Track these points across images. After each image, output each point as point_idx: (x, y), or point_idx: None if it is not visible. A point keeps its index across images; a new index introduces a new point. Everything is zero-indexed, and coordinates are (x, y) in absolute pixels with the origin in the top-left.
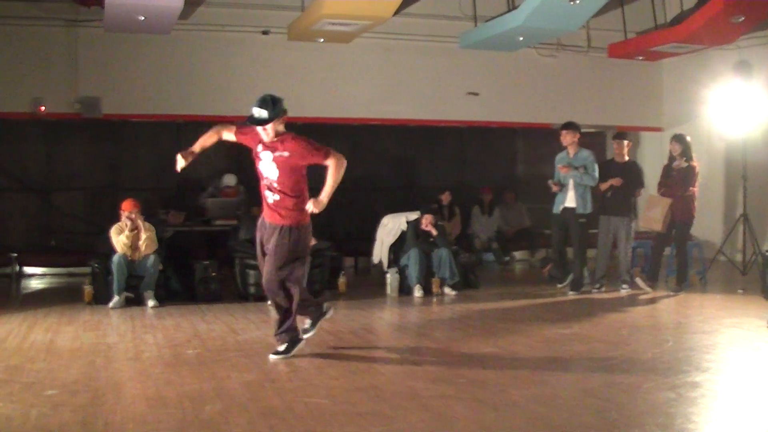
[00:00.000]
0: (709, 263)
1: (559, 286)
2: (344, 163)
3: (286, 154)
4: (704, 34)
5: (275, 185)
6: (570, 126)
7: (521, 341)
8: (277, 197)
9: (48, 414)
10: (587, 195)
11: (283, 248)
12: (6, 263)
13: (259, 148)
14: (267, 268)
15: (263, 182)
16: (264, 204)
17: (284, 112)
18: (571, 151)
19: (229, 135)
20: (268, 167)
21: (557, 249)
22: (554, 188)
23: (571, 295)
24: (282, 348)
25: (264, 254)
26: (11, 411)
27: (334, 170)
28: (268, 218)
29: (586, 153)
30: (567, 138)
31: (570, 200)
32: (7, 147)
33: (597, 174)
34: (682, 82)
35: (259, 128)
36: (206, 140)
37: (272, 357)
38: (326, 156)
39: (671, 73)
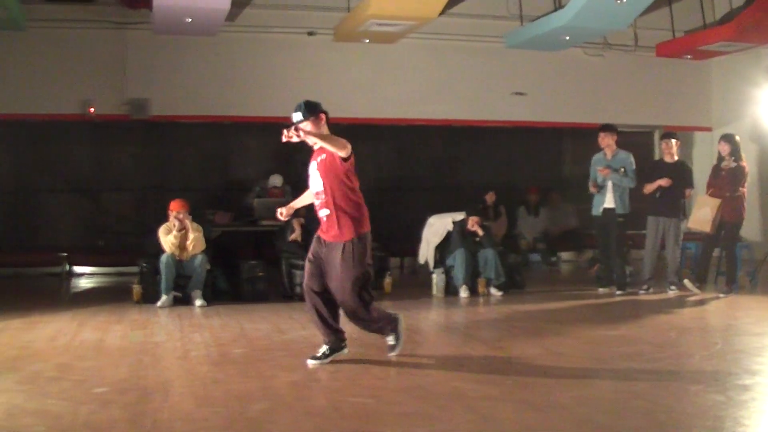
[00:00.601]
0: (758, 264)
1: (602, 290)
2: (343, 144)
3: (324, 155)
4: (754, 33)
5: (324, 197)
6: (608, 128)
7: (567, 342)
8: (327, 211)
9: (97, 411)
10: (626, 196)
11: (347, 265)
12: (56, 263)
13: (309, 165)
14: (335, 289)
15: (316, 201)
16: (321, 224)
17: (322, 112)
18: (609, 153)
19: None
20: (315, 180)
21: (604, 251)
22: (592, 189)
23: (618, 295)
24: (392, 340)
25: (311, 261)
26: (61, 408)
27: (333, 137)
28: (324, 236)
29: (624, 154)
30: (605, 140)
31: (609, 201)
32: (58, 148)
33: (634, 175)
34: (732, 81)
35: (301, 133)
36: (303, 200)
37: (391, 354)
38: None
39: (720, 72)
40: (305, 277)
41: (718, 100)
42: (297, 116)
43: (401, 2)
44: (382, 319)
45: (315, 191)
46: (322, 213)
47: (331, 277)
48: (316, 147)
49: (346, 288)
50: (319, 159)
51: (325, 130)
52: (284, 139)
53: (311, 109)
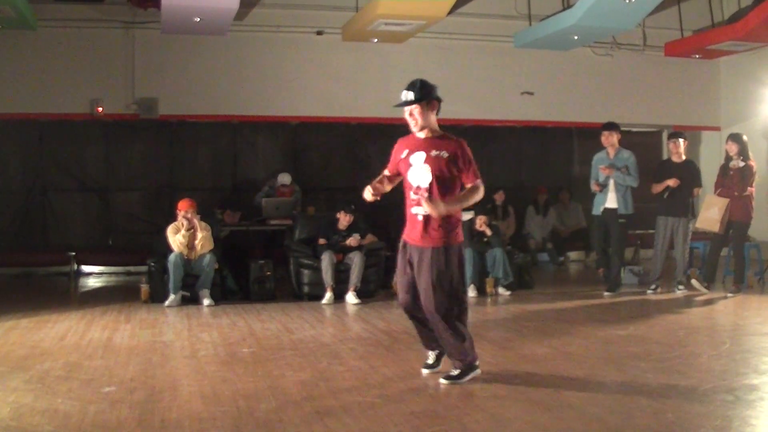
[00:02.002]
0: (767, 264)
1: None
2: (482, 194)
3: (445, 154)
4: (763, 32)
5: (427, 195)
6: (612, 126)
7: (576, 342)
8: (426, 211)
9: (105, 410)
10: (628, 195)
11: (437, 271)
12: (65, 262)
13: (404, 153)
14: (423, 299)
15: (411, 195)
16: (409, 224)
17: (436, 99)
18: (612, 151)
19: (391, 180)
20: (418, 172)
21: (601, 251)
22: (595, 188)
23: (608, 297)
24: (455, 372)
25: (404, 274)
26: (70, 407)
27: (470, 192)
28: (413, 240)
29: (626, 153)
30: (610, 138)
31: (611, 201)
32: (67, 147)
33: (637, 174)
34: (740, 81)
35: (406, 115)
36: (385, 185)
37: (443, 381)
38: (475, 179)
39: (729, 71)
40: (400, 294)
41: (727, 99)
42: (408, 94)
43: (410, 2)
44: (470, 347)
45: (415, 185)
46: (418, 211)
47: (420, 286)
48: (430, 135)
49: (430, 296)
50: (433, 153)
51: (434, 119)
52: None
53: (427, 92)
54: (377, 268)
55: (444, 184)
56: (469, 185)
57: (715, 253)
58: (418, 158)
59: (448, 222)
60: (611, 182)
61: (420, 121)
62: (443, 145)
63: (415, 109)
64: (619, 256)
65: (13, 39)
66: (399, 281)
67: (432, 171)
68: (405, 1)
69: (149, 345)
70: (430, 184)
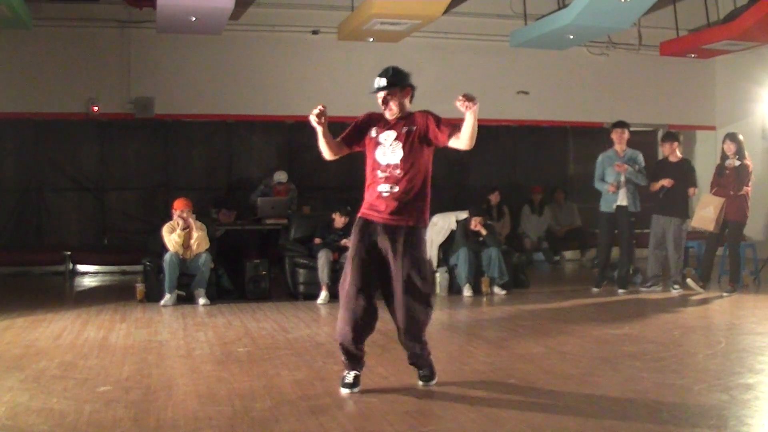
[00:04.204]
0: (762, 263)
1: (596, 290)
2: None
3: (414, 128)
4: (758, 31)
5: (398, 171)
6: (625, 124)
7: (572, 341)
8: (396, 188)
9: (101, 410)
10: (636, 193)
11: (418, 254)
12: (60, 261)
13: (374, 132)
14: (403, 288)
15: (378, 174)
16: (374, 201)
17: (410, 86)
18: (621, 149)
19: (341, 146)
20: (389, 150)
21: (606, 249)
22: (611, 189)
23: (622, 294)
24: (427, 372)
25: (362, 258)
26: (65, 407)
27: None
28: (381, 217)
29: (634, 153)
30: (624, 136)
31: (622, 199)
32: (63, 146)
33: (645, 172)
34: (736, 80)
35: (380, 102)
36: (330, 138)
37: (424, 384)
38: (452, 134)
39: (724, 70)
40: (354, 278)
41: (722, 98)
42: (380, 81)
43: (405, 1)
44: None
45: (384, 163)
46: (386, 188)
47: (400, 270)
48: (400, 115)
49: (414, 281)
50: (405, 130)
51: (408, 106)
52: (460, 104)
53: (399, 79)
54: None
55: (414, 161)
56: (450, 140)
57: (710, 252)
58: (389, 136)
59: (420, 202)
60: (622, 179)
61: (395, 109)
62: (412, 120)
63: (389, 95)
64: (631, 254)
65: (9, 38)
66: (352, 264)
67: (403, 146)
68: (400, 0)
69: (145, 344)
70: (401, 160)
